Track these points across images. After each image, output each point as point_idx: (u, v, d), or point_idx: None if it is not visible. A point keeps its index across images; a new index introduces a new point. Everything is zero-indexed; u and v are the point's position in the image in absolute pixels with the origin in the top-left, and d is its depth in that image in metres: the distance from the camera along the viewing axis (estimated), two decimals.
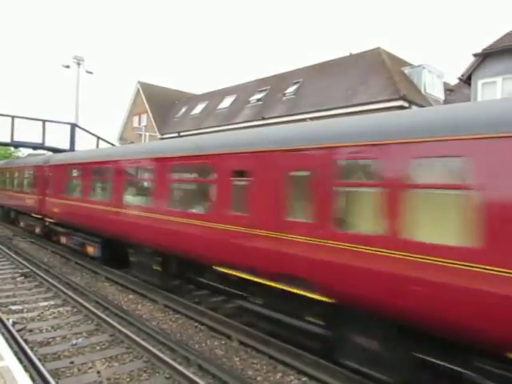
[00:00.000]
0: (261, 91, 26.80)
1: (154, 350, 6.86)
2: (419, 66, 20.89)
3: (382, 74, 19.34)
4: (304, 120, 17.67)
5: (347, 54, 24.28)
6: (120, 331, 7.73)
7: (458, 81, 18.48)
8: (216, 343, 7.72)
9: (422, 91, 20.11)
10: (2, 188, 24.17)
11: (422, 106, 16.63)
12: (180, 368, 6.24)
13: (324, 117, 18.51)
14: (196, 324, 8.59)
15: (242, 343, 7.61)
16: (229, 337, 7.88)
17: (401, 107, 16.83)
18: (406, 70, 21.01)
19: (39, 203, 17.35)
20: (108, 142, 28.94)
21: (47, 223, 16.85)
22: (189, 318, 8.89)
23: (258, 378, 6.35)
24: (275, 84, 26.31)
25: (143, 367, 6.56)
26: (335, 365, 6.23)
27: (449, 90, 21.84)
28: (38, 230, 18.41)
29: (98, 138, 28.87)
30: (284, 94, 24.36)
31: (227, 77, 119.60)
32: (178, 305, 9.45)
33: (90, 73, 32.33)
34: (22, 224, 21.29)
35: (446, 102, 20.38)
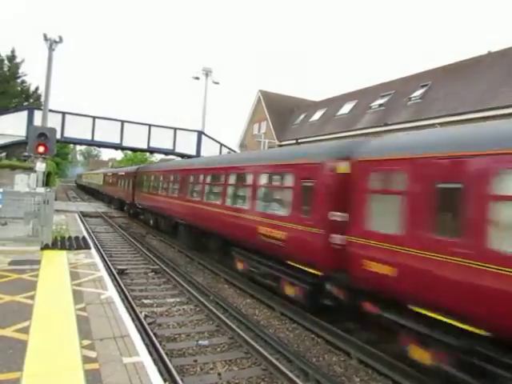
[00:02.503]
0: (383, 96, 25.60)
1: (272, 359, 6.80)
2: None
3: None
4: (433, 126, 16.31)
5: (485, 52, 21.88)
6: (239, 335, 7.85)
7: None
8: (334, 359, 7.39)
9: None
10: (116, 185, 34.40)
11: None
12: (299, 382, 6.07)
13: (455, 122, 16.87)
14: (313, 336, 8.35)
15: (361, 362, 7.17)
16: (348, 354, 7.48)
17: None
18: None
19: (132, 195, 26.90)
20: (230, 149, 30.42)
21: (136, 207, 26.64)
22: (305, 328, 8.70)
23: None
24: (399, 88, 24.89)
25: (261, 375, 6.54)
26: None
27: None
28: (131, 211, 28.93)
29: (221, 144, 30.53)
30: (409, 99, 22.88)
31: (347, 83, 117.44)
32: (295, 314, 9.32)
33: (217, 83, 34.44)
34: (125, 208, 31.38)
35: None
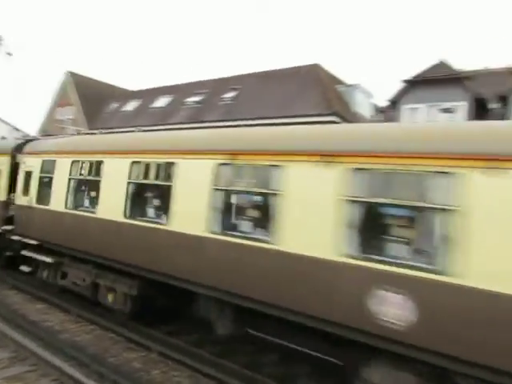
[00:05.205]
0: (198, 94, 26.37)
1: (64, 367, 6.21)
2: (352, 85, 22.16)
3: (318, 90, 19.98)
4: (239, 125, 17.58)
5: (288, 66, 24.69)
6: (24, 347, 6.89)
7: (387, 103, 19.84)
8: (134, 355, 7.27)
9: (352, 109, 21.09)
10: None
11: (351, 123, 17.45)
12: None
13: (261, 125, 18.60)
14: (112, 335, 8.04)
15: (162, 354, 7.24)
16: (148, 348, 7.45)
17: (333, 122, 17.42)
18: (340, 88, 21.93)
19: None
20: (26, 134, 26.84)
21: None
22: (105, 329, 8.30)
23: None
24: (213, 88, 26.05)
25: None
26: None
27: (381, 110, 23.21)
28: None
29: (15, 128, 26.73)
30: (222, 99, 24.20)
31: (161, 77, 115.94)
32: (93, 315, 8.78)
33: (10, 54, 29.76)
34: None
35: (372, 120, 21.57)
